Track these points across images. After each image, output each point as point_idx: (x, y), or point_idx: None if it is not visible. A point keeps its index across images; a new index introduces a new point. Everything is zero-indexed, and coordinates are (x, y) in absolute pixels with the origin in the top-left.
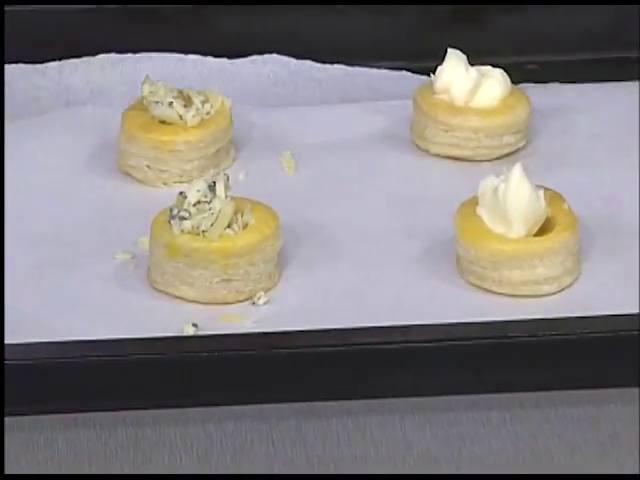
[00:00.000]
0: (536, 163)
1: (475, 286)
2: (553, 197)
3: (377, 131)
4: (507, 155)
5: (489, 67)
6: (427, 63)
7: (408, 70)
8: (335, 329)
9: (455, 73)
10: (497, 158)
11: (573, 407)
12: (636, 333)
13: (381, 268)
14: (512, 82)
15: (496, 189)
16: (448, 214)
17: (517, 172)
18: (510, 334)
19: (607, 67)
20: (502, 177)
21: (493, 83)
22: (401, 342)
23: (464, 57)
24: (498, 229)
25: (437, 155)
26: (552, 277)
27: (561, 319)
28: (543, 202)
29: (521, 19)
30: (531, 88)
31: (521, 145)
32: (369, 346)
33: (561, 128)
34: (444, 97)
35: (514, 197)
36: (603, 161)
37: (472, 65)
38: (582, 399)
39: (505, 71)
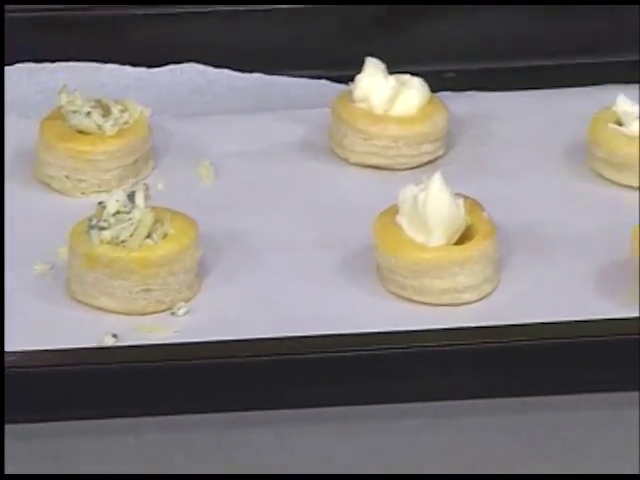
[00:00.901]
0: (455, 171)
1: (396, 295)
2: (472, 205)
3: (296, 140)
4: (426, 164)
5: (408, 76)
6: (346, 71)
7: (327, 78)
8: (255, 339)
9: (374, 82)
10: (416, 167)
11: (494, 415)
12: (557, 341)
13: (301, 278)
14: (431, 91)
15: (416, 198)
16: (367, 223)
17: (437, 181)
18: (430, 343)
19: (524, 75)
20: (422, 186)
21: (412, 92)
22: (319, 352)
23: (383, 66)
24: (418, 238)
25: (356, 164)
26: (472, 285)
27: (483, 327)
28: (463, 210)
29: (439, 27)
30: (449, 96)
31: (440, 153)
32: (287, 356)
33: (479, 136)
34: (363, 106)
35: (434, 206)
36: (521, 169)
37: (391, 74)
38: (502, 406)
39: (423, 80)
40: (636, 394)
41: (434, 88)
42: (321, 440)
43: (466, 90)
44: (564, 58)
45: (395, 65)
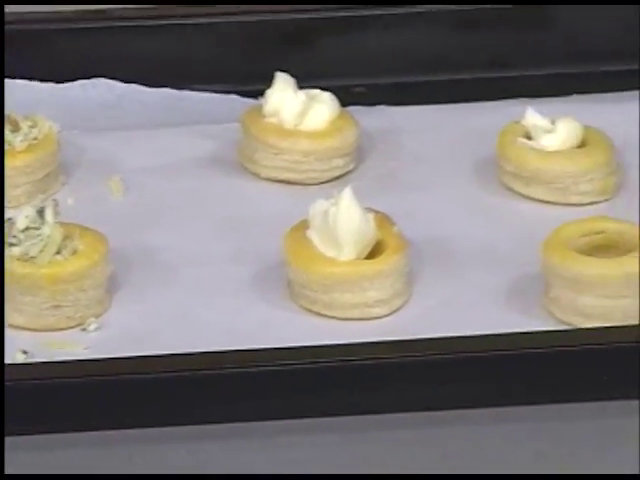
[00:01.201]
0: (365, 186)
1: (306, 310)
2: (382, 220)
3: (206, 155)
4: (337, 178)
5: (317, 90)
6: (255, 86)
7: (236, 93)
8: (166, 355)
9: (284, 96)
10: (327, 181)
11: (405, 429)
12: (467, 355)
13: (212, 293)
14: (341, 105)
15: (326, 212)
16: (278, 238)
17: (347, 195)
18: (341, 357)
19: (434, 89)
20: (332, 200)
21: (322, 106)
22: (230, 367)
23: (292, 80)
24: (328, 252)
25: (267, 179)
26: (382, 300)
27: (392, 342)
28: (373, 225)
29: (349, 42)
30: (359, 111)
31: (350, 168)
32: (198, 372)
33: (389, 150)
34: (273, 120)
35: (344, 220)
36: (431, 183)
37: (300, 89)
38: (409, 421)
39: (334, 94)
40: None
41: (344, 103)
42: (236, 455)
43: (376, 105)
44: (474, 72)
45: (305, 80)
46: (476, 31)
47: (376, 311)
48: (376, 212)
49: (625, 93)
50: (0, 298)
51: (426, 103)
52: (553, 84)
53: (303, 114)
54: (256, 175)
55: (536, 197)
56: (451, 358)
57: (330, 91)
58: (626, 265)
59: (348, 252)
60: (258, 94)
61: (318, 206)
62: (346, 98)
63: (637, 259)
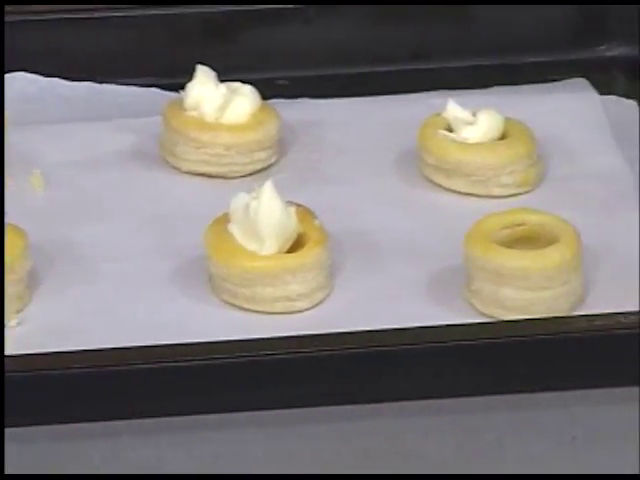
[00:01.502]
0: (288, 179)
1: (228, 304)
2: (304, 213)
3: (127, 148)
4: (259, 171)
5: (238, 83)
6: (177, 79)
7: (157, 86)
8: (87, 350)
9: (204, 90)
10: (249, 174)
11: (328, 423)
12: (389, 348)
13: (134, 287)
14: (262, 98)
15: (247, 206)
16: (200, 231)
17: (268, 189)
18: (262, 352)
19: (357, 81)
20: (253, 194)
21: (243, 99)
22: (152, 362)
23: (213, 74)
24: (250, 246)
25: (189, 172)
26: (304, 293)
27: (314, 335)
28: (294, 218)
29: (271, 35)
30: (281, 104)
31: (273, 161)
32: (120, 367)
33: (312, 143)
34: (194, 114)
35: (265, 214)
36: (354, 176)
37: (222, 81)
38: (336, 415)
39: (255, 87)
40: (636, 389)
41: (266, 95)
42: (154, 450)
43: (298, 97)
44: (396, 64)
45: (227, 73)
46: (398, 23)
47: (298, 305)
48: (297, 205)
49: (545, 85)
50: (0, 297)
51: (349, 95)
52: (474, 76)
53: (224, 107)
54: (178, 169)
55: (458, 189)
56: (371, 351)
57: (252, 84)
58: (547, 257)
59: (269, 246)
60: (180, 87)
61: (239, 200)
62: (268, 91)
63: (558, 251)
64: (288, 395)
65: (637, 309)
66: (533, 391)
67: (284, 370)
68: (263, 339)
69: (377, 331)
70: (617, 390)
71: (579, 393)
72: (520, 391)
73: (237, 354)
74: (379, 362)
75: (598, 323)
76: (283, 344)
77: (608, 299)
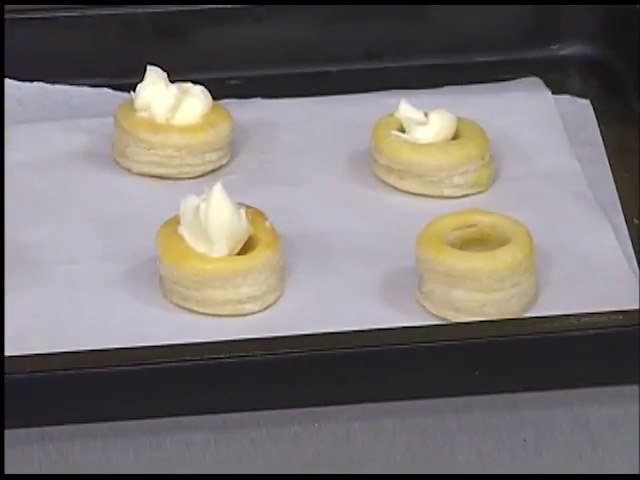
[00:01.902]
0: (239, 180)
1: (179, 307)
2: (255, 215)
3: (79, 149)
4: (211, 172)
5: (190, 84)
6: (129, 80)
7: (111, 87)
8: (37, 354)
9: (155, 90)
10: (200, 175)
11: (279, 427)
12: (341, 351)
13: (85, 290)
14: (214, 98)
15: (197, 208)
16: (151, 233)
17: (217, 191)
18: (211, 355)
19: (310, 81)
20: (203, 196)
21: (194, 100)
22: (103, 366)
23: (164, 74)
24: (200, 248)
25: (140, 174)
26: (255, 296)
27: (262, 339)
28: (245, 220)
29: (223, 35)
30: (234, 104)
31: (224, 162)
32: (70, 371)
33: (264, 144)
34: (145, 115)
35: (215, 216)
36: (306, 176)
37: (173, 82)
38: (286, 418)
39: (207, 87)
40: (589, 390)
41: (219, 96)
42: (100, 455)
43: (251, 97)
44: (350, 64)
45: (179, 73)
46: (351, 22)
47: (249, 307)
48: (248, 207)
49: (499, 84)
50: (0, 296)
51: (302, 95)
52: (428, 75)
53: (175, 108)
54: (129, 170)
55: (410, 190)
56: (319, 355)
57: (204, 84)
58: (498, 259)
59: (220, 248)
60: (133, 88)
61: (189, 202)
62: (221, 91)
63: (509, 252)
64: (235, 399)
65: (590, 310)
66: (484, 393)
67: (231, 374)
68: (207, 343)
69: (324, 334)
70: (569, 392)
71: (530, 395)
72: (472, 393)
73: (182, 358)
74: (328, 365)
75: (548, 325)
76: (228, 348)
77: (561, 300)
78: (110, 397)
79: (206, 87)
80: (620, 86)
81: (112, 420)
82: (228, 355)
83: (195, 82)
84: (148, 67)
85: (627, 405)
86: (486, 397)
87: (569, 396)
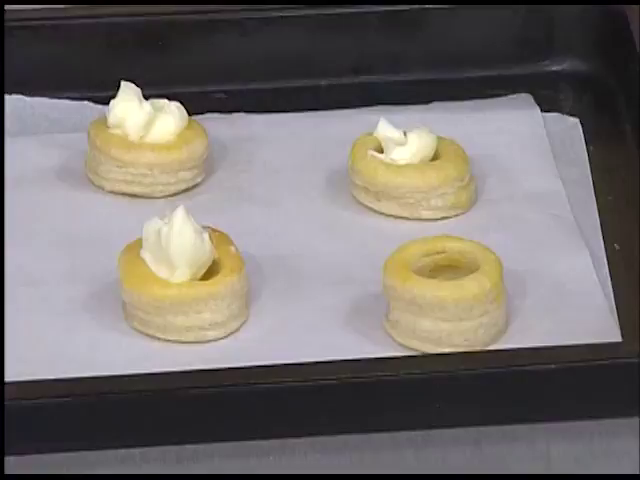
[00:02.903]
0: (213, 199)
1: (141, 332)
2: (220, 239)
3: (53, 165)
4: (185, 191)
5: (165, 100)
6: (111, 92)
7: (91, 100)
8: None
9: (128, 107)
10: (174, 194)
11: (232, 459)
12: (299, 384)
13: (46, 313)
14: (197, 112)
15: (159, 232)
16: (118, 255)
17: (180, 215)
18: (169, 386)
19: (296, 96)
20: (166, 220)
21: (168, 117)
22: (56, 396)
23: (138, 90)
24: (162, 273)
25: (112, 191)
26: (218, 322)
27: (219, 370)
28: (208, 245)
29: (209, 47)
30: (216, 119)
31: (199, 180)
32: (22, 401)
33: (242, 162)
34: (118, 132)
35: (176, 241)
36: (281, 196)
37: (156, 95)
38: (242, 450)
39: (190, 100)
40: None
41: (201, 109)
42: None
43: (236, 112)
44: (338, 78)
45: (162, 85)
46: (339, 36)
47: (211, 334)
48: (214, 230)
49: (488, 100)
50: (0, 303)
51: (288, 110)
52: (417, 90)
53: (149, 125)
54: (101, 188)
55: (387, 212)
56: (273, 387)
57: (188, 97)
58: (464, 288)
59: (181, 273)
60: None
61: (152, 225)
62: (204, 104)
63: (476, 281)
64: (188, 431)
65: (556, 343)
66: (444, 427)
67: (182, 405)
68: (158, 374)
69: (279, 366)
70: (532, 426)
71: (490, 429)
72: (431, 427)
73: (130, 389)
74: (281, 398)
75: (511, 359)
76: (180, 379)
77: (531, 329)
78: (56, 428)
79: (190, 100)
80: (611, 103)
81: (57, 452)
82: (178, 387)
83: (179, 95)
84: (122, 83)
85: (590, 441)
86: (446, 430)
87: (532, 430)
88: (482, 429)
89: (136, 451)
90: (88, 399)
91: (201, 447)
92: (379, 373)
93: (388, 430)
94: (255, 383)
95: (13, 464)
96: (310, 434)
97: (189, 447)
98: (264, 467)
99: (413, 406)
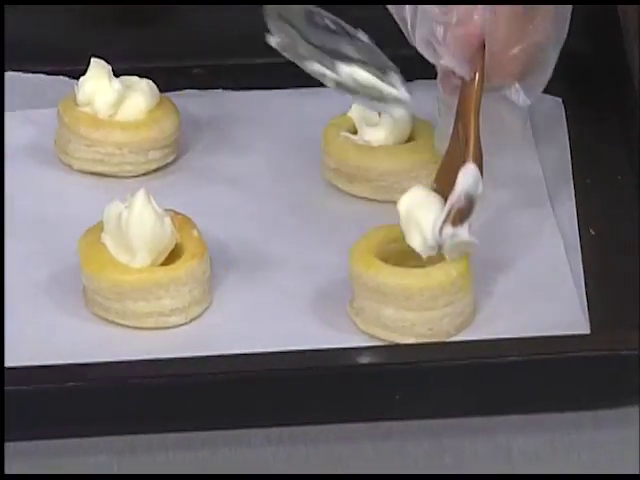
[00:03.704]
0: (182, 179)
1: (101, 318)
2: (182, 222)
3: (22, 143)
4: (155, 171)
5: (136, 78)
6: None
7: (66, 75)
8: None
9: (98, 84)
10: (144, 174)
11: (186, 450)
12: (247, 373)
13: (5, 298)
14: (176, 88)
15: (119, 216)
16: None
17: (140, 198)
18: (131, 374)
19: (278, 72)
20: (126, 203)
21: (138, 95)
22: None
23: (108, 67)
24: (122, 258)
25: (80, 171)
26: (179, 308)
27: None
28: (170, 229)
29: (189, 21)
30: (192, 95)
31: (169, 160)
32: None
33: (216, 141)
34: (87, 110)
35: (136, 225)
36: (251, 178)
37: (129, 70)
38: (196, 441)
39: (170, 75)
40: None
41: (180, 85)
42: None
43: (215, 88)
44: None
45: (141, 59)
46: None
47: (172, 320)
48: (176, 214)
49: None
50: (0, 301)
51: (269, 87)
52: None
53: (118, 103)
54: (70, 167)
55: (359, 195)
56: (232, 377)
57: (166, 72)
58: (430, 276)
59: (142, 258)
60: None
61: (112, 208)
62: (183, 80)
63: (443, 270)
64: (141, 421)
65: (524, 334)
66: (403, 419)
67: (136, 395)
68: (111, 362)
69: (235, 355)
70: (491, 419)
71: (450, 422)
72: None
73: (93, 376)
74: (235, 387)
75: (469, 351)
76: (134, 367)
77: (498, 318)
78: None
79: (166, 76)
80: (595, 85)
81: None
82: (132, 375)
83: (155, 70)
84: (92, 60)
85: (551, 435)
86: (405, 423)
87: (491, 423)
88: (441, 421)
89: (87, 441)
90: (49, 387)
91: (154, 437)
92: (338, 363)
93: (345, 422)
94: (213, 373)
95: None
96: (265, 425)
97: (142, 437)
98: (220, 459)
99: (372, 397)
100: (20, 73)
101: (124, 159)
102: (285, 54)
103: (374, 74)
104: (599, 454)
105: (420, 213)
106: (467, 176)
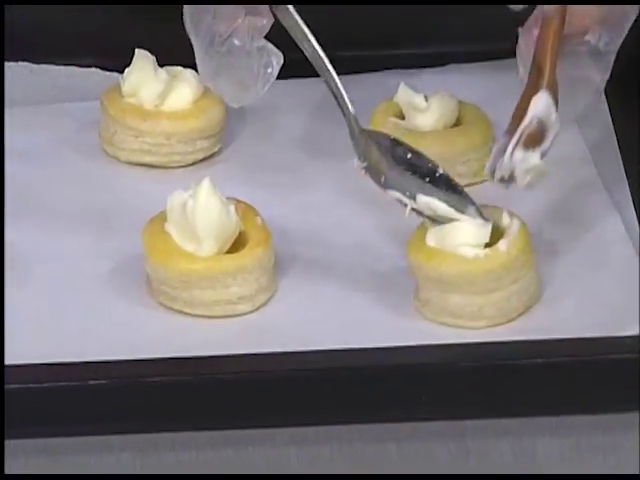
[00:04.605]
0: (232, 169)
1: (167, 307)
2: (245, 211)
3: (64, 137)
4: (202, 160)
5: (180, 67)
6: (121, 59)
7: (99, 67)
8: (18, 365)
9: (143, 75)
10: (192, 164)
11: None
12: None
13: (67, 291)
14: None
15: (184, 205)
16: (139, 228)
17: (205, 187)
18: (155, 372)
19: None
20: (190, 192)
21: (184, 85)
22: (81, 380)
23: (153, 58)
24: (188, 247)
25: (128, 162)
26: (246, 296)
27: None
28: (235, 217)
29: None
30: None
31: (216, 149)
32: (48, 384)
33: (261, 130)
34: (133, 101)
35: (202, 214)
36: (303, 167)
37: (164, 65)
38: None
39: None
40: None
41: None
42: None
43: None
44: (358, 49)
45: (175, 54)
46: (361, 7)
47: (239, 308)
48: (239, 202)
49: (504, 61)
50: (0, 299)
51: (312, 75)
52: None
53: (164, 94)
54: (116, 158)
55: None
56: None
57: None
58: (492, 258)
59: (208, 247)
60: (125, 68)
61: (176, 198)
62: None
63: (502, 250)
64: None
65: (592, 310)
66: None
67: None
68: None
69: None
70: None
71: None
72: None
73: (172, 370)
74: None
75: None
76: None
77: (566, 295)
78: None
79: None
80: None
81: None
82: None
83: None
84: (136, 51)
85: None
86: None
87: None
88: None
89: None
90: (122, 382)
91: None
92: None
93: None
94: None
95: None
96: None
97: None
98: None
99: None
100: (52, 65)
101: (172, 149)
102: (370, 177)
103: (452, 206)
104: (625, 456)
105: None
106: (539, 102)
